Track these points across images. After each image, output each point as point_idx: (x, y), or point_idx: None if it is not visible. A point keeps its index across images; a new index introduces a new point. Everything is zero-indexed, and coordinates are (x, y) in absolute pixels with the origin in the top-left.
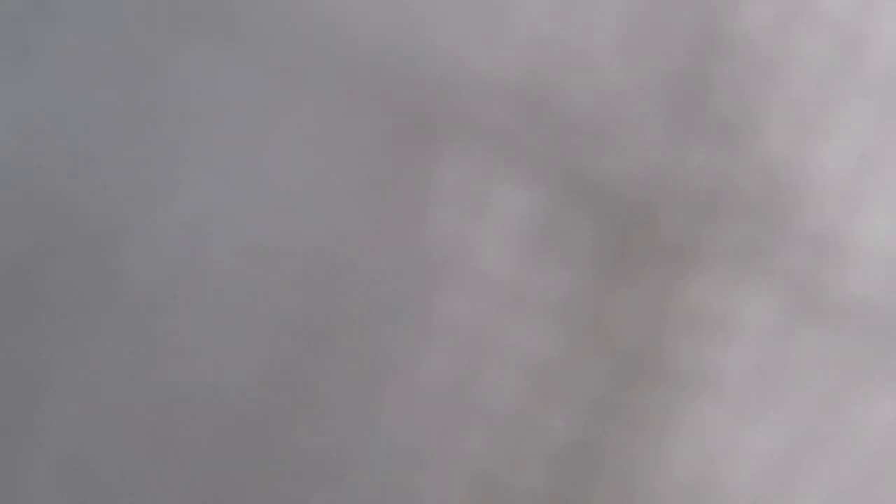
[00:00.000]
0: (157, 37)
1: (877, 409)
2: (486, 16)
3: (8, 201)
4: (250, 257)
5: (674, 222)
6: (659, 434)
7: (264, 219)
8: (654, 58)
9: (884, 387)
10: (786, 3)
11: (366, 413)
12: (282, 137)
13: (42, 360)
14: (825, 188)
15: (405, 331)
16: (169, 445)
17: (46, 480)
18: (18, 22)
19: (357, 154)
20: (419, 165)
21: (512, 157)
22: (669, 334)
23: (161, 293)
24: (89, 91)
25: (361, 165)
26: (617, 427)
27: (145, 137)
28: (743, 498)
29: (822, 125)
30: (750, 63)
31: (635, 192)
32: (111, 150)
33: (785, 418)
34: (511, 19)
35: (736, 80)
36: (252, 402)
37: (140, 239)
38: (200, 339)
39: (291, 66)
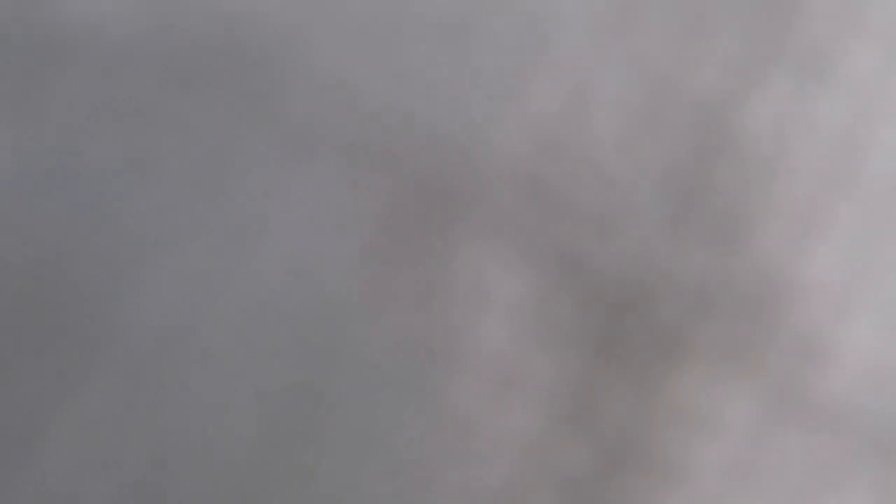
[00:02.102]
0: (170, 93)
1: None
2: (495, 99)
3: (11, 246)
4: (253, 316)
5: (665, 314)
6: None
7: (269, 279)
8: (656, 152)
9: (856, 485)
10: (785, 107)
11: (356, 484)
12: (291, 200)
13: (38, 407)
14: (815, 292)
15: (398, 403)
16: (159, 498)
17: None
18: (22, 70)
19: (358, 227)
20: (420, 239)
21: (511, 238)
22: (654, 425)
23: (161, 346)
24: (101, 140)
25: (361, 238)
26: None
27: (153, 190)
28: None
29: (816, 229)
30: (748, 164)
31: (630, 282)
32: (118, 200)
33: None
34: (519, 104)
35: (734, 180)
36: (244, 462)
37: (142, 291)
38: (197, 393)
39: (303, 131)
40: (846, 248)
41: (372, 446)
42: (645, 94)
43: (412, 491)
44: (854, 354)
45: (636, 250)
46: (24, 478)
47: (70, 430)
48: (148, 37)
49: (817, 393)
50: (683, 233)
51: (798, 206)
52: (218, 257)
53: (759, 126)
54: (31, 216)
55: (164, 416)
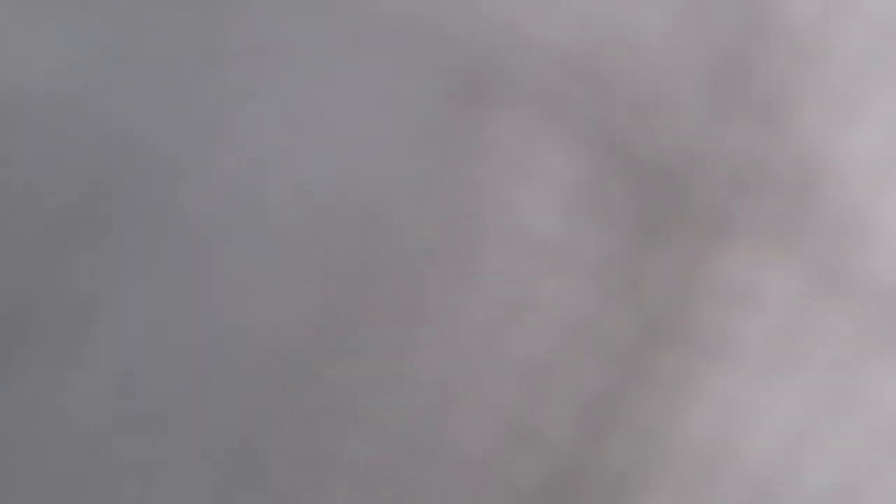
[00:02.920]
0: None
1: (891, 380)
2: None
3: (76, 134)
4: (304, 201)
5: (707, 195)
6: (679, 394)
7: (320, 165)
8: (698, 38)
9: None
10: None
11: (404, 356)
12: (343, 87)
13: (102, 281)
14: (853, 172)
15: (447, 278)
16: (215, 371)
17: (102, 391)
18: None
19: (413, 109)
20: (471, 123)
21: (558, 123)
22: (696, 301)
23: (218, 228)
24: (158, 29)
25: (416, 120)
26: (641, 384)
27: (211, 77)
28: (756, 462)
29: (853, 113)
30: (790, 50)
31: (673, 164)
32: (178, 88)
33: (802, 388)
34: None
35: (775, 65)
36: (295, 340)
37: (200, 175)
38: (251, 275)
39: (357, 20)
40: (884, 131)
41: (421, 318)
42: None
43: (462, 361)
44: (893, 233)
45: (679, 134)
46: (82, 352)
47: (133, 301)
48: None
49: (856, 270)
50: (724, 116)
51: (838, 91)
52: (278, 142)
53: (800, 10)
54: (102, 94)
55: (219, 293)
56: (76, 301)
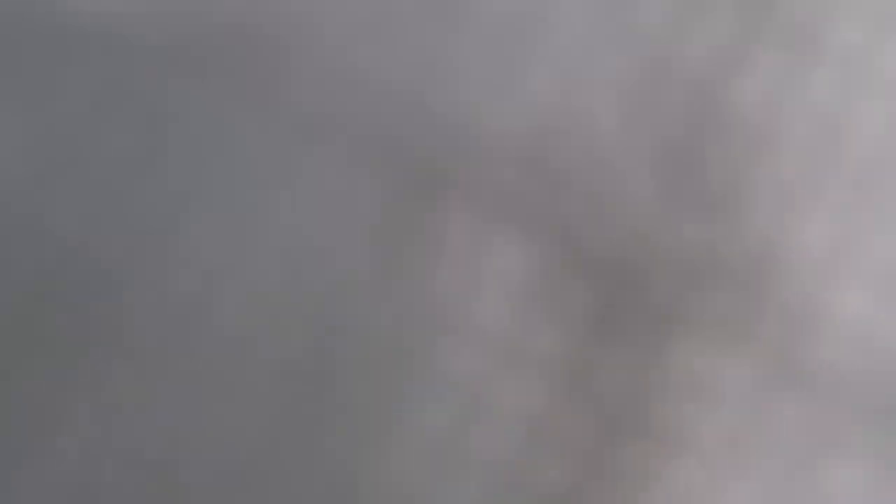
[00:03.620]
0: (173, 82)
1: (845, 472)
2: (494, 82)
3: (18, 240)
4: (256, 304)
5: (661, 288)
6: (638, 489)
7: (271, 267)
8: (649, 129)
9: (852, 451)
10: (774, 85)
11: (363, 459)
12: (291, 188)
13: (55, 394)
14: (804, 264)
15: (401, 379)
16: (173, 477)
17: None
18: (33, 63)
19: (363, 207)
20: (422, 220)
21: (510, 216)
22: (653, 394)
23: (175, 327)
24: (103, 133)
25: (367, 218)
26: (600, 479)
27: (157, 182)
28: None
29: (803, 201)
30: (739, 138)
31: (626, 256)
32: (123, 194)
33: (758, 482)
34: (517, 87)
35: (725, 154)
36: (252, 446)
37: (156, 273)
38: (205, 383)
39: (305, 119)
40: (834, 221)
41: (380, 418)
42: (637, 72)
43: (420, 460)
44: (845, 323)
45: (633, 226)
46: (39, 464)
47: (88, 414)
48: (155, 25)
49: (810, 361)
50: (677, 207)
51: (787, 180)
52: (228, 241)
53: (749, 102)
54: (45, 203)
55: (179, 401)
56: (27, 413)
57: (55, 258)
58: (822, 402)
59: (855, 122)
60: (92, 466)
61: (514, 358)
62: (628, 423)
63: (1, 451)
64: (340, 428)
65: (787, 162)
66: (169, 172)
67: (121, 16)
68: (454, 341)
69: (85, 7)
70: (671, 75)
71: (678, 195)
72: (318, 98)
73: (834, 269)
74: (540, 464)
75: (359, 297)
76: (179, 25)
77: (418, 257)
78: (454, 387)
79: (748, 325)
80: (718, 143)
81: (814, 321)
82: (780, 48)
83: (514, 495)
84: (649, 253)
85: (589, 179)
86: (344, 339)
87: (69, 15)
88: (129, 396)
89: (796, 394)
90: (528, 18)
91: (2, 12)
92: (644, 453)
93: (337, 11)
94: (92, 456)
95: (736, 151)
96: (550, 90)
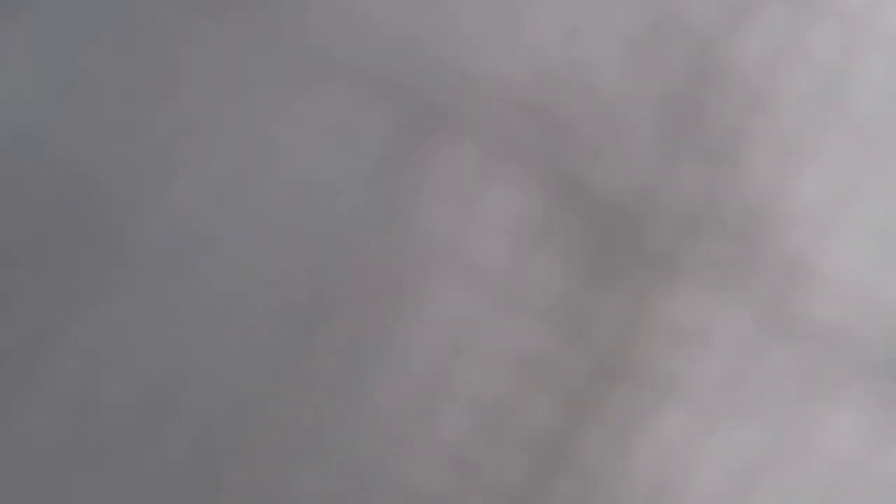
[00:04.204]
0: (191, 19)
1: (835, 423)
2: (499, 25)
3: (27, 168)
4: (257, 233)
5: (657, 233)
6: (626, 433)
7: (271, 198)
8: (651, 78)
9: (842, 403)
10: (775, 39)
11: (356, 389)
12: (296, 122)
13: (60, 309)
14: (801, 215)
15: (398, 312)
16: (167, 406)
17: (55, 420)
18: None
19: (365, 144)
20: (423, 158)
21: (510, 158)
22: (645, 339)
23: (170, 262)
24: (112, 63)
25: (368, 154)
26: (589, 423)
27: (166, 110)
28: (701, 501)
29: (802, 155)
30: (739, 91)
31: (623, 201)
32: (132, 122)
33: (747, 430)
34: (521, 30)
35: (725, 107)
36: (249, 373)
37: (152, 209)
38: (205, 308)
39: (310, 57)
40: (832, 175)
41: (374, 353)
42: (641, 25)
43: (410, 396)
44: (840, 276)
45: (632, 173)
46: (40, 381)
47: (89, 336)
48: None
49: (804, 312)
50: (675, 155)
51: (787, 133)
52: (234, 176)
53: (750, 55)
54: (57, 135)
55: (180, 327)
56: (29, 332)
57: (61, 182)
58: (814, 353)
59: (855, 76)
60: (91, 385)
61: (508, 297)
62: (620, 366)
63: (1, 370)
64: (331, 359)
65: (786, 115)
66: (180, 106)
67: None
68: (449, 278)
69: None
70: (673, 27)
71: (677, 144)
72: (324, 38)
73: (831, 223)
74: (529, 404)
75: (358, 231)
76: None
77: (417, 194)
78: (447, 323)
79: (743, 275)
80: (719, 95)
81: (809, 273)
82: (782, 1)
83: (502, 435)
84: (647, 199)
85: (589, 126)
86: (341, 271)
87: None
88: (130, 318)
89: (788, 344)
90: None
91: None
92: (634, 397)
93: None
94: (91, 375)
95: (736, 103)
96: (553, 38)
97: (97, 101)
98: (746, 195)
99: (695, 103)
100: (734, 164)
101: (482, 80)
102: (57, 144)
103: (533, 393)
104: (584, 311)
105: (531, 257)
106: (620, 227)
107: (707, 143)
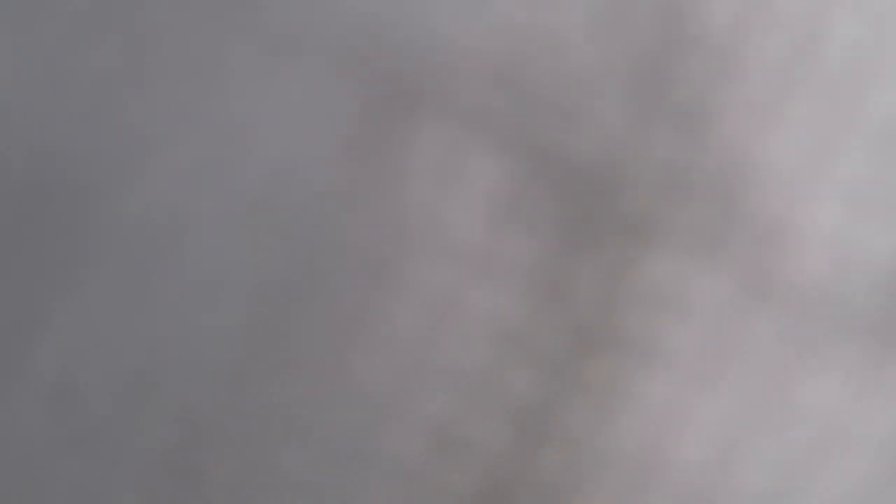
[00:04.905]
0: (160, 2)
1: (818, 386)
2: (464, 2)
3: (13, 146)
4: (242, 211)
5: (632, 200)
6: (609, 401)
7: (248, 176)
8: (620, 44)
9: (825, 365)
10: (744, 2)
11: (336, 366)
12: (270, 100)
13: (39, 295)
14: (776, 177)
15: (375, 288)
16: (153, 383)
17: (37, 406)
18: None
19: (338, 119)
20: (396, 132)
21: (483, 130)
22: (624, 306)
23: (149, 241)
24: (84, 44)
25: (341, 130)
26: (571, 391)
27: (144, 92)
28: (687, 468)
29: (775, 118)
30: (709, 56)
31: (597, 169)
32: (104, 104)
33: (730, 394)
34: (486, 7)
35: (696, 70)
36: (231, 350)
37: (137, 188)
38: (188, 285)
39: (284, 32)
40: (805, 136)
41: (353, 329)
42: None
43: (394, 372)
44: (816, 237)
45: (604, 139)
46: (22, 365)
47: (66, 319)
48: None
49: (783, 274)
50: (647, 121)
51: (758, 95)
52: (208, 156)
53: (719, 18)
54: (32, 118)
55: (158, 308)
56: (5, 317)
57: (35, 165)
58: (794, 316)
59: (825, 38)
60: (70, 371)
61: (486, 268)
62: (600, 333)
63: None
64: (311, 335)
65: (756, 75)
66: (152, 89)
67: None
68: (426, 251)
69: None
70: None
71: (648, 110)
72: (294, 17)
73: (807, 183)
74: (510, 374)
75: (332, 208)
76: None
77: (391, 169)
78: (426, 296)
79: (720, 238)
80: (689, 59)
81: (786, 234)
82: None
83: (483, 404)
84: (622, 166)
85: (560, 94)
86: (317, 249)
87: None
88: (107, 301)
89: (769, 306)
90: None
91: None
92: (615, 364)
93: None
94: (70, 361)
95: (707, 67)
96: (521, 8)
97: (69, 82)
98: (721, 159)
99: (665, 68)
100: (707, 127)
101: (451, 53)
102: (28, 126)
103: (514, 363)
104: (564, 280)
105: (508, 228)
106: (596, 195)
107: (679, 108)
